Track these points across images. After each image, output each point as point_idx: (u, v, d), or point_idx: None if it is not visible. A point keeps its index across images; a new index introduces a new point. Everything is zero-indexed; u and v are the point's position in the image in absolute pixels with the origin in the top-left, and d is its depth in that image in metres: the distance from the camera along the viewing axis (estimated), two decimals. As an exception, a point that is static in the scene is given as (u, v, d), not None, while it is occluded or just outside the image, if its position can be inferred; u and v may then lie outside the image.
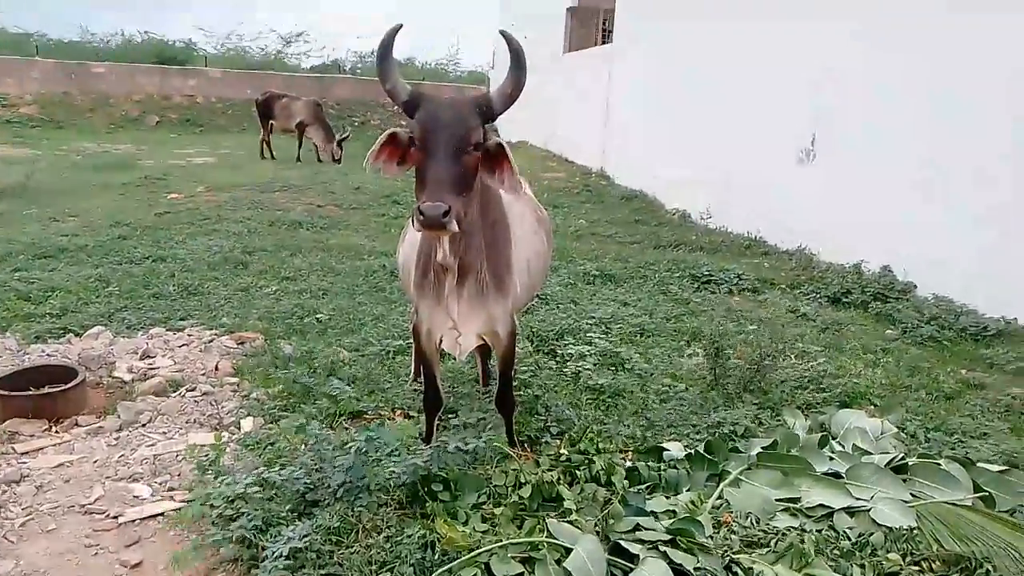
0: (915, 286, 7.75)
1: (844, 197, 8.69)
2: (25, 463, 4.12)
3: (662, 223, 11.31)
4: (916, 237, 7.72)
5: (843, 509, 3.46)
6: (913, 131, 7.77)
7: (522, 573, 3.08)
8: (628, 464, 3.83)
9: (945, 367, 5.91)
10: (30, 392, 4.64)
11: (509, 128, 22.87)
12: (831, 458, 3.92)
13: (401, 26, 3.24)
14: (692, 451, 3.98)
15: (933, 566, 3.08)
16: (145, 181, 12.76)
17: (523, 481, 3.59)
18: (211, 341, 5.93)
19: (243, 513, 3.45)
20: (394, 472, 3.69)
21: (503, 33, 3.29)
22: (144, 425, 4.60)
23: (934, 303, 7.26)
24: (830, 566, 3.09)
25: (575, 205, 12.59)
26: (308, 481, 3.67)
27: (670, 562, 3.05)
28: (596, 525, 3.31)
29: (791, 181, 9.53)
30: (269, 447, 4.21)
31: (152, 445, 4.38)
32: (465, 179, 3.02)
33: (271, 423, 4.56)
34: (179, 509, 3.72)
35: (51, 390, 4.65)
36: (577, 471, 3.69)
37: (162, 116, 24.11)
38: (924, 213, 7.62)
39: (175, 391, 5.03)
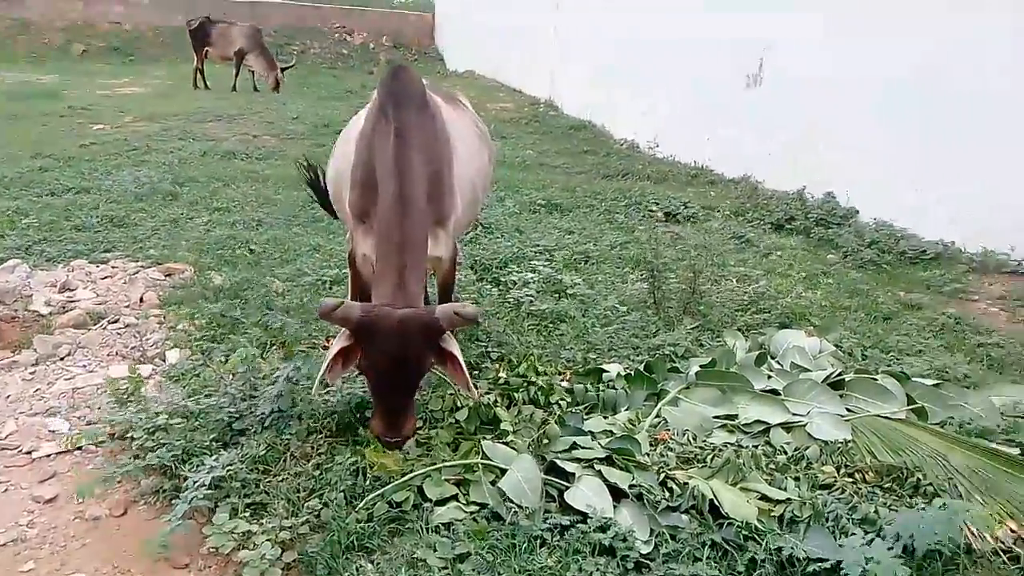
0: (857, 212, 7.78)
1: (789, 122, 8.64)
2: (-70, 399, 3.88)
3: (610, 153, 11.16)
4: (859, 162, 7.72)
5: (780, 425, 3.47)
6: (859, 53, 7.70)
7: (456, 495, 3.02)
8: (566, 385, 3.76)
9: (884, 289, 5.97)
10: (-64, 327, 4.36)
11: (457, 57, 22.28)
12: (769, 376, 3.92)
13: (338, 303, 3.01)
14: (631, 372, 3.93)
15: (867, 477, 3.10)
16: (70, 111, 12.08)
17: (460, 405, 3.50)
18: (136, 273, 5.65)
19: (163, 444, 3.31)
20: (326, 400, 3.57)
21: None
22: (62, 359, 4.37)
23: (875, 228, 7.32)
24: (766, 480, 3.09)
25: (523, 135, 12.35)
26: (234, 410, 3.53)
27: (605, 480, 3.02)
28: (531, 446, 3.25)
29: (738, 107, 9.44)
30: (195, 378, 4.04)
31: (71, 379, 4.17)
32: (415, 391, 3.15)
33: (199, 355, 4.37)
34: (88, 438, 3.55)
35: (-41, 324, 4.38)
36: (515, 394, 3.61)
37: (88, 45, 22.79)
38: (868, 137, 7.62)
39: (96, 324, 4.79)
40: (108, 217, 6.91)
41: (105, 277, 5.55)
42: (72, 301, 5.08)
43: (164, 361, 4.37)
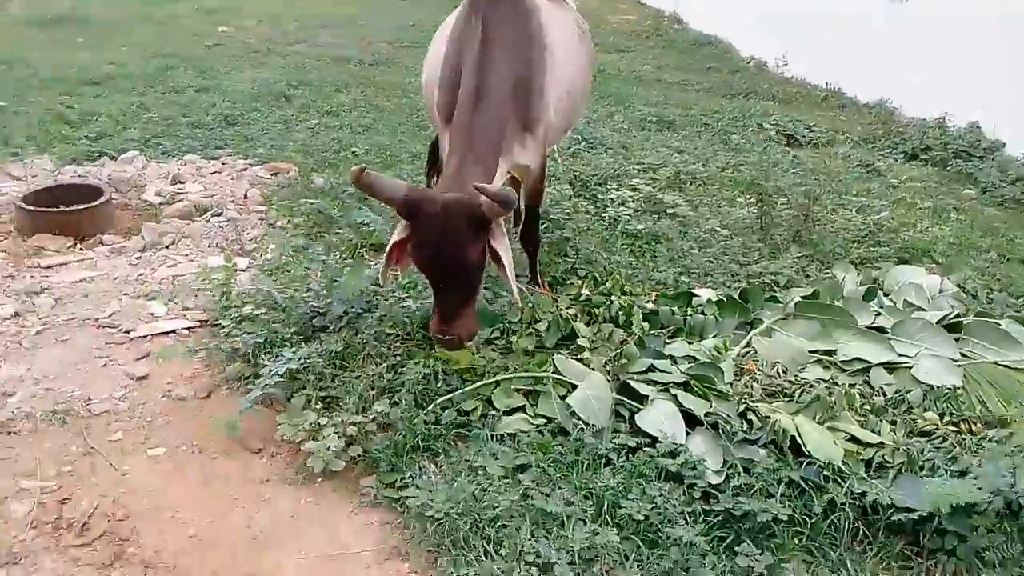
0: (1004, 144, 7.04)
1: (935, 43, 7.83)
2: (47, 277, 4.12)
3: (735, 70, 10.48)
4: (1011, 90, 6.93)
5: (882, 364, 3.19)
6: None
7: (524, 406, 2.95)
8: (651, 307, 3.59)
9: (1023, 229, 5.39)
10: (57, 209, 4.60)
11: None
12: (877, 312, 3.60)
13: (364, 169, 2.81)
14: (723, 297, 3.70)
15: (973, 427, 2.82)
16: (196, 13, 12.41)
17: (539, 318, 3.40)
18: (244, 170, 5.79)
19: (248, 333, 3.39)
20: (404, 305, 3.55)
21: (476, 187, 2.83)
22: (167, 247, 4.55)
23: (1023, 164, 6.59)
24: (858, 421, 2.86)
25: (643, 50, 11.76)
26: (316, 305, 3.56)
27: (680, 405, 2.87)
28: (607, 364, 3.12)
29: (878, 24, 8.61)
30: (286, 273, 4.11)
31: (173, 266, 4.34)
32: (470, 288, 2.99)
33: (293, 251, 4.45)
34: (191, 328, 3.69)
35: (76, 208, 4.60)
36: (596, 311, 3.47)
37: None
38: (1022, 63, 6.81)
39: (201, 215, 4.94)
40: (223, 116, 7.08)
41: (214, 172, 5.71)
42: (181, 193, 5.26)
43: (260, 255, 4.47)
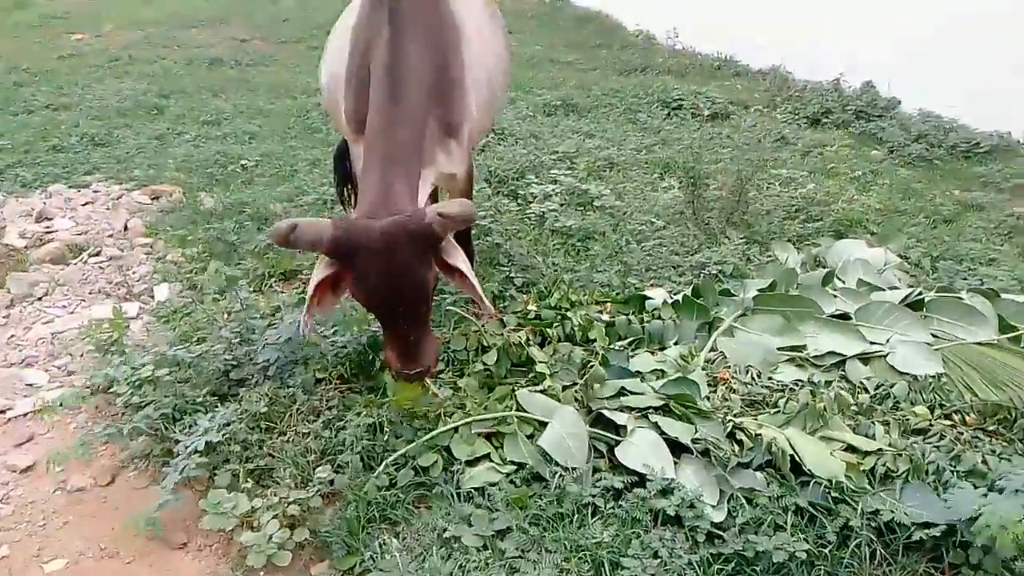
0: (899, 102, 7.10)
1: (820, 5, 7.83)
2: None
3: (625, 46, 10.28)
4: (900, 47, 6.98)
5: (856, 356, 2.99)
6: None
7: (488, 454, 2.59)
8: (606, 318, 3.28)
9: (939, 188, 5.40)
10: None
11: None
12: (835, 296, 3.41)
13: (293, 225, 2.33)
14: (677, 297, 3.44)
15: (967, 419, 2.64)
16: (43, 20, 11.23)
17: (487, 345, 3.03)
18: (120, 197, 5.12)
19: (151, 401, 2.87)
20: (334, 342, 3.11)
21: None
22: (40, 299, 3.91)
23: (921, 120, 6.66)
24: (848, 425, 2.64)
25: (529, 30, 11.41)
26: (230, 357, 3.07)
27: (662, 432, 2.57)
28: (575, 393, 2.79)
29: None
30: (186, 318, 3.58)
31: (49, 322, 3.72)
32: (426, 313, 2.58)
33: (189, 289, 3.90)
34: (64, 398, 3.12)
35: (-79, 264, 3.90)
36: (548, 330, 3.13)
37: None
38: (909, 21, 6.85)
39: (76, 257, 4.29)
40: (88, 136, 6.32)
41: (86, 203, 5.02)
42: (50, 232, 4.57)
43: (152, 298, 3.91)
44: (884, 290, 3.46)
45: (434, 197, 3.91)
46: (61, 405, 3.04)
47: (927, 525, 2.23)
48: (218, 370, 3.02)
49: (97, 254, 4.32)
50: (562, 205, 4.73)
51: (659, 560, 2.18)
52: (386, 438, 2.67)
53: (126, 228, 4.66)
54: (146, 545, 2.47)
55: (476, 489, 2.48)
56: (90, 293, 3.97)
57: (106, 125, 6.63)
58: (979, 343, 2.99)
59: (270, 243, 4.04)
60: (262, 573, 2.35)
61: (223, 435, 2.63)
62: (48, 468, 2.75)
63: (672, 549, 2.20)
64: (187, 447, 2.60)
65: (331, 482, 2.53)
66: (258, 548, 2.31)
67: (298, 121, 6.86)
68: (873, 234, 4.43)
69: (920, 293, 3.29)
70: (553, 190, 4.88)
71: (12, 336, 3.59)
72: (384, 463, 2.56)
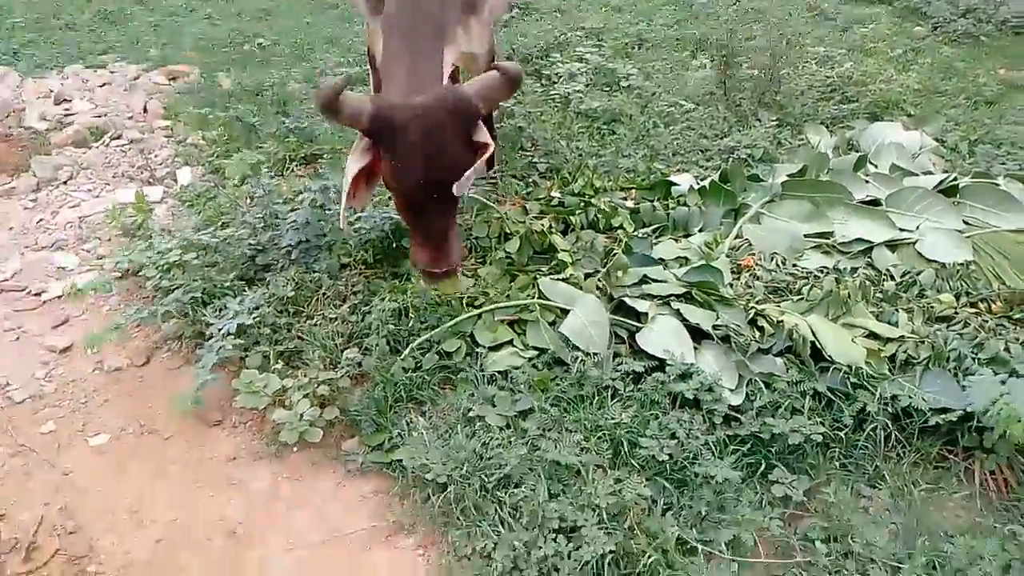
0: (949, -28, 6.69)
1: None
2: (-76, 237, 3.52)
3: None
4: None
5: (884, 243, 2.96)
6: None
7: (511, 340, 2.64)
8: (630, 205, 3.25)
9: (984, 67, 5.18)
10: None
11: None
12: (867, 182, 3.35)
13: (349, 79, 2.24)
14: (704, 183, 3.39)
15: (993, 307, 2.63)
16: None
17: (509, 232, 3.03)
18: (137, 78, 5.07)
19: (179, 284, 2.93)
20: (357, 228, 3.12)
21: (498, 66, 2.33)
22: (65, 183, 3.94)
23: (970, -8, 6.30)
24: (872, 312, 2.64)
25: None
26: (255, 242, 3.11)
27: (684, 319, 2.60)
28: (597, 281, 2.81)
29: None
30: (210, 202, 3.60)
31: (76, 206, 3.76)
32: (456, 204, 2.51)
33: (211, 173, 3.90)
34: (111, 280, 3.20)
35: (-56, 147, 3.92)
36: (572, 217, 3.12)
37: None
38: None
39: (98, 140, 4.29)
40: (101, 13, 6.22)
41: (103, 84, 4.97)
42: (69, 115, 4.55)
43: (175, 182, 3.92)
44: (917, 175, 3.39)
45: (454, 79, 3.84)
46: (95, 291, 3.10)
47: (944, 411, 2.27)
48: (244, 255, 3.06)
49: (118, 137, 4.31)
50: (588, 86, 4.61)
51: (676, 440, 2.24)
52: (411, 323, 2.71)
53: (145, 110, 4.63)
54: (183, 422, 2.58)
55: (499, 372, 2.54)
56: (113, 177, 3.99)
57: (119, 2, 6.48)
58: (1013, 230, 2.94)
59: (290, 127, 4.03)
60: (295, 448, 2.46)
61: (253, 318, 2.70)
62: (85, 350, 2.85)
63: (689, 430, 2.27)
64: (220, 329, 2.67)
65: (359, 364, 2.60)
66: (291, 425, 2.41)
67: (314, -4, 6.66)
68: (910, 116, 4.29)
69: (955, 178, 3.22)
70: (579, 69, 4.74)
71: (41, 220, 3.65)
72: (410, 347, 2.61)
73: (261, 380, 2.52)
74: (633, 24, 5.68)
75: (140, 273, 3.13)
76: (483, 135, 2.36)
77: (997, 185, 3.18)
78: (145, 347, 2.89)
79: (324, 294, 2.88)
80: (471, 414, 2.39)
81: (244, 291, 2.89)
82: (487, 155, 2.33)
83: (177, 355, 2.86)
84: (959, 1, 6.19)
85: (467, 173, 2.28)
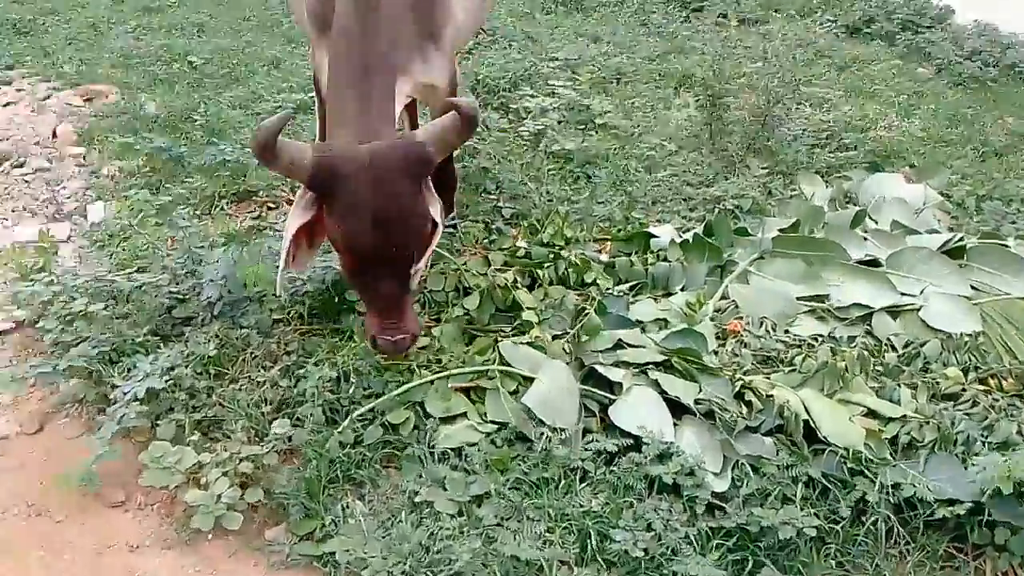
0: (953, 12, 7.01)
1: None
2: None
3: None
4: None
5: (885, 309, 3.01)
6: None
7: (466, 412, 2.62)
8: (605, 259, 3.29)
9: (991, 115, 5.38)
10: None
11: None
12: (865, 239, 3.42)
13: (289, 117, 2.33)
14: (687, 236, 3.43)
15: (1004, 384, 2.69)
16: None
17: (468, 286, 3.03)
18: (48, 98, 5.07)
19: (85, 338, 2.87)
20: (295, 278, 3.09)
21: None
22: (-44, 216, 3.87)
23: (976, 33, 6.60)
24: (871, 388, 2.68)
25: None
26: (174, 290, 3.07)
27: (662, 391, 2.60)
28: (566, 344, 2.81)
29: None
30: (124, 244, 3.56)
31: (-33, 244, 3.68)
32: (411, 267, 2.46)
33: (128, 210, 3.86)
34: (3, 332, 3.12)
35: None
36: (539, 271, 3.13)
37: None
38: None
39: (-2, 168, 4.25)
40: (9, 22, 6.23)
41: (7, 104, 4.96)
42: (-35, 137, 4.50)
43: (85, 219, 3.88)
44: (921, 233, 3.48)
45: (412, 111, 3.87)
46: (-19, 344, 3.03)
47: (952, 502, 2.29)
48: (161, 305, 3.03)
49: (21, 165, 4.30)
50: (560, 123, 4.68)
51: (652, 533, 2.24)
52: (352, 390, 2.69)
53: (54, 135, 4.63)
54: (79, 502, 2.51)
55: (452, 449, 2.52)
56: (13, 211, 3.96)
57: (30, 9, 6.50)
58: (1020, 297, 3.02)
59: (221, 159, 4.02)
60: (210, 536, 2.39)
61: (166, 381, 2.65)
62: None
63: (667, 521, 2.26)
64: (125, 393, 2.61)
65: (289, 437, 2.55)
66: (205, 508, 2.35)
67: (256, 12, 6.72)
68: (913, 167, 4.42)
69: (961, 238, 3.32)
70: (551, 104, 4.82)
71: (-76, 260, 3.56)
72: (349, 418, 2.59)
73: (173, 454, 2.47)
74: (611, 56, 5.80)
75: (38, 324, 3.06)
76: (434, 207, 2.39)
77: (1007, 247, 3.27)
78: (39, 411, 2.82)
79: (252, 354, 2.85)
80: (418, 499, 2.37)
81: (159, 348, 2.84)
82: (437, 237, 2.36)
83: (77, 421, 2.79)
84: (964, 42, 6.45)
85: (427, 252, 2.31)
